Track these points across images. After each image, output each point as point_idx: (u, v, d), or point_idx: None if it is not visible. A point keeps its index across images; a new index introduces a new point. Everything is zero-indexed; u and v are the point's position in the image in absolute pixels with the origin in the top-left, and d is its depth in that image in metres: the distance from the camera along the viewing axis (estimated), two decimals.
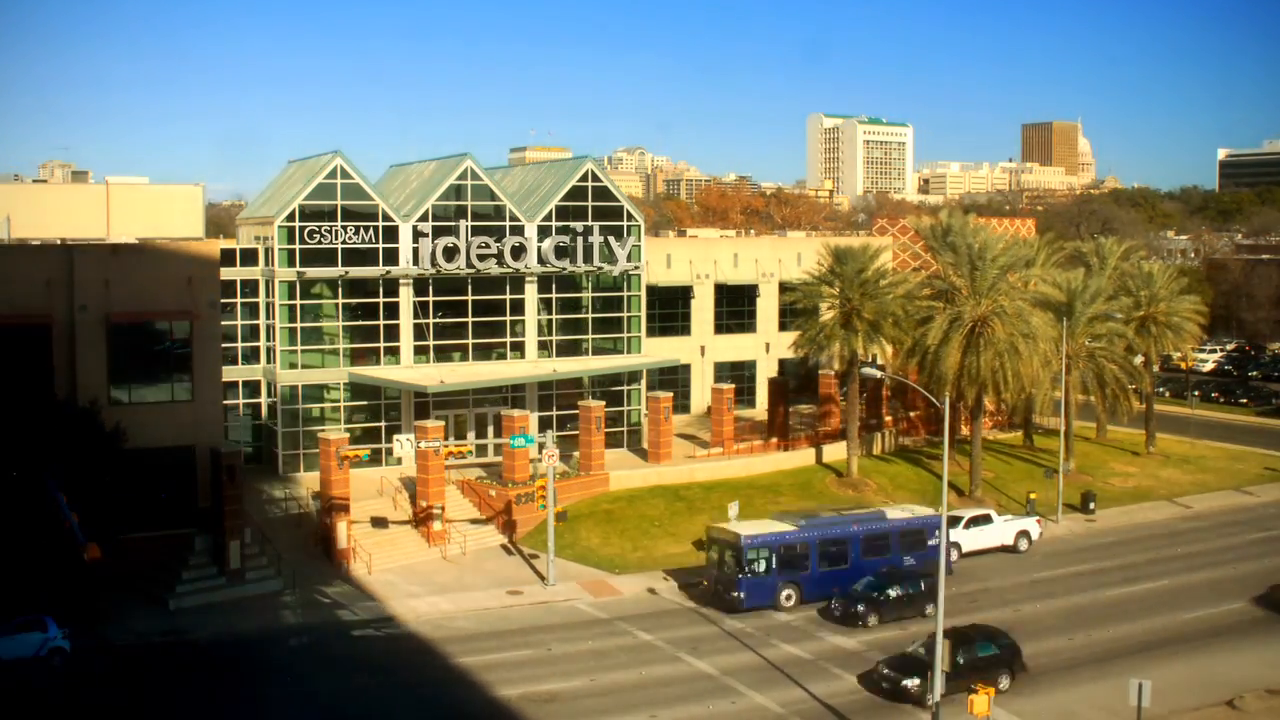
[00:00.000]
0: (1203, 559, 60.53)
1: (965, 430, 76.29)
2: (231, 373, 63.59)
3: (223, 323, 57.66)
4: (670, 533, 62.05)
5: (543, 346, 71.89)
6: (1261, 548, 62.68)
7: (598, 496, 65.11)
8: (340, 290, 67.09)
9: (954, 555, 57.85)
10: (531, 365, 70.57)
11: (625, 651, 46.73)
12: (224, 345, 58.25)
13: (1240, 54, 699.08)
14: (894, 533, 55.18)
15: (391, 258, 67.55)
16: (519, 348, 71.36)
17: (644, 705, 41.33)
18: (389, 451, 60.22)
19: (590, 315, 73.46)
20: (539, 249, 70.43)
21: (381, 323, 67.91)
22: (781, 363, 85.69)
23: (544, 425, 68.02)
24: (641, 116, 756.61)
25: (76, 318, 52.40)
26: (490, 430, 69.47)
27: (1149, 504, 72.27)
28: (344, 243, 66.46)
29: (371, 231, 67.07)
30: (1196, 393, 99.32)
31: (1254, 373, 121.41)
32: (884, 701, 41.47)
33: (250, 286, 67.51)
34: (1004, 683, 42.06)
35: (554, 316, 72.30)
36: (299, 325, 65.88)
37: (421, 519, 59.70)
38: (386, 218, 67.53)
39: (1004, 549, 61.72)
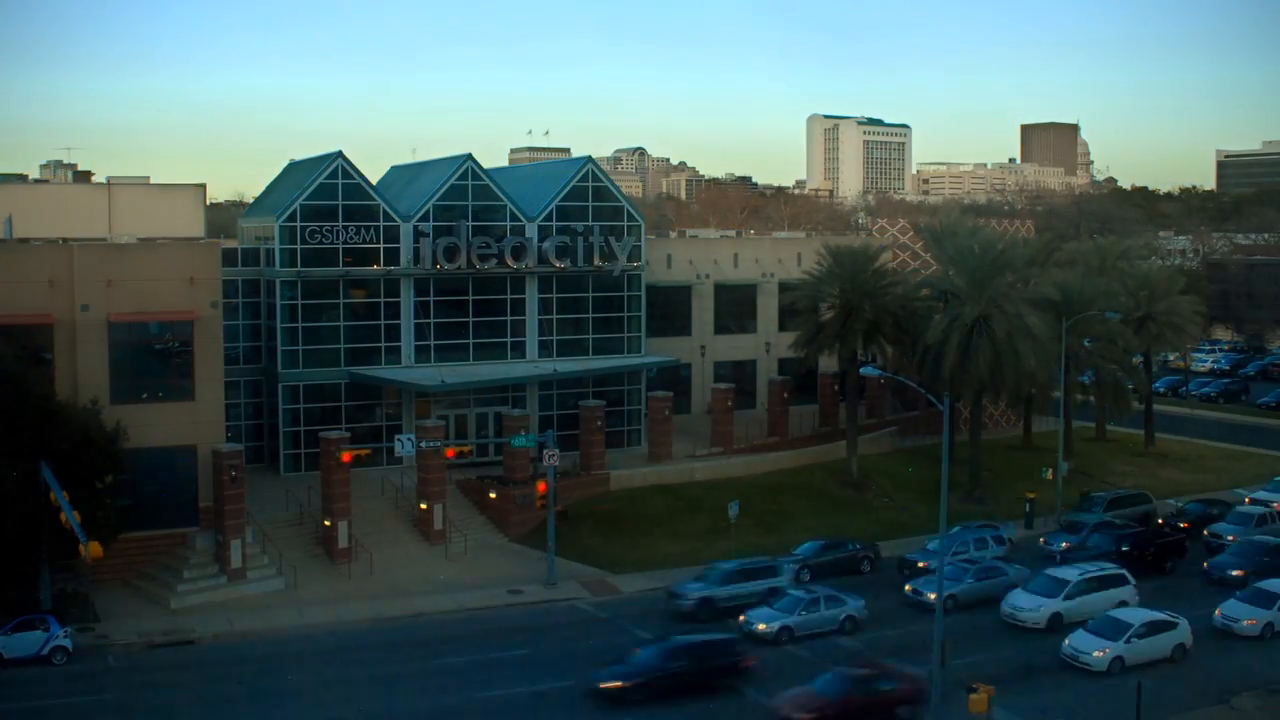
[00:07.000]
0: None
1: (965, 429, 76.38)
2: (232, 372, 63.66)
3: (224, 322, 57.69)
4: (671, 532, 62.19)
5: (543, 346, 71.97)
6: None
7: (598, 496, 65.24)
8: (341, 290, 67.17)
9: None
10: (532, 365, 70.66)
11: None
12: (225, 345, 58.29)
13: (1240, 54, 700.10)
14: None
15: (392, 257, 67.63)
16: (519, 347, 71.44)
17: None
18: (390, 451, 60.30)
19: (591, 315, 73.52)
20: (539, 249, 70.48)
21: (382, 322, 67.97)
22: (781, 363, 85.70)
23: (544, 425, 68.11)
24: (641, 116, 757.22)
25: (78, 317, 52.51)
26: (490, 430, 69.57)
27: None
28: (345, 243, 66.52)
29: (372, 231, 67.13)
30: (1195, 393, 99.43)
31: (1252, 373, 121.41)
32: None
33: (251, 286, 67.55)
34: None
35: (554, 316, 72.36)
36: (299, 325, 65.93)
37: None
38: (387, 218, 67.59)
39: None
